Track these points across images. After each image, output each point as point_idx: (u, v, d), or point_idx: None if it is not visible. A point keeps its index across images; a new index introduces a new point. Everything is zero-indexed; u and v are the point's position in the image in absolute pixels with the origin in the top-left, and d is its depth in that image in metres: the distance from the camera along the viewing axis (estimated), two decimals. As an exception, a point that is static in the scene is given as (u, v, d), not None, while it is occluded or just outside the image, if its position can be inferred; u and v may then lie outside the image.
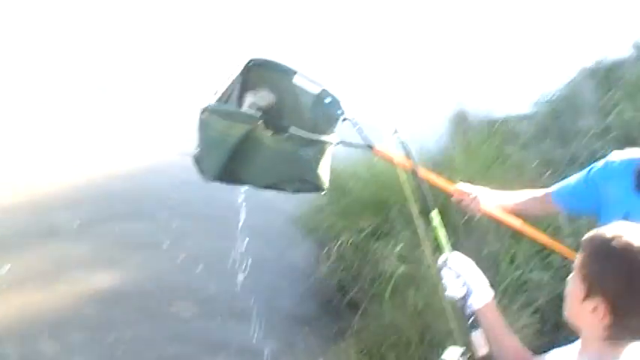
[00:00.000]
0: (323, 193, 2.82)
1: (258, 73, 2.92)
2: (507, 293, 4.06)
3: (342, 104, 2.81)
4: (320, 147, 2.70)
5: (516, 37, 9.17)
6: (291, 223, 5.49)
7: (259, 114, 2.69)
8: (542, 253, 4.31)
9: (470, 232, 4.34)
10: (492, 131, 5.69)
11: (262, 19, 10.84)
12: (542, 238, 3.10)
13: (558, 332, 4.05)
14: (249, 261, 5.16)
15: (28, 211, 5.53)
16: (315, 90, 2.86)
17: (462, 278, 2.15)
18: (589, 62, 7.65)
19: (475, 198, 2.77)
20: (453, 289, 2.16)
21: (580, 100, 6.77)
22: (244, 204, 5.68)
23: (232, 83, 2.85)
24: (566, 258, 2.98)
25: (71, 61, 8.84)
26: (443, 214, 2.46)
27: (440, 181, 2.82)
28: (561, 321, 3.98)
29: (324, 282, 4.84)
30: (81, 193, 5.87)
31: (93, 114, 7.35)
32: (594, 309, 1.67)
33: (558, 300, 4.01)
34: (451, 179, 4.67)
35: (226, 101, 2.84)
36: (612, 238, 1.64)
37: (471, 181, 4.64)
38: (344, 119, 2.78)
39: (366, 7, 11.51)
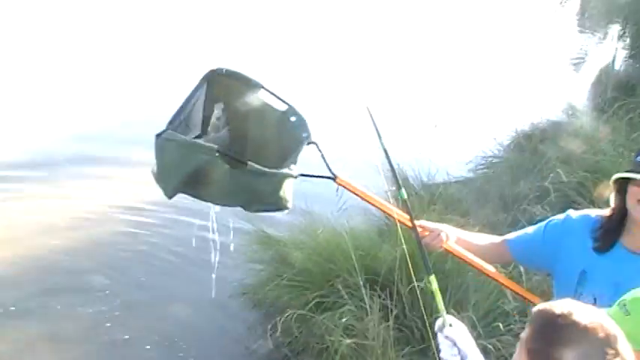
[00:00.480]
0: (286, 211, 2.73)
1: (223, 83, 2.86)
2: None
3: (307, 125, 2.75)
4: (280, 177, 2.62)
5: (452, 102, 9.42)
6: (238, 296, 5.40)
7: (216, 147, 2.56)
8: (486, 319, 4.33)
9: (413, 301, 4.34)
10: (434, 198, 5.76)
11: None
12: (502, 279, 3.07)
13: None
14: (192, 334, 5.10)
15: None
16: (281, 107, 2.80)
17: (457, 347, 2.19)
18: (524, 126, 7.87)
19: (439, 235, 2.73)
20: (447, 355, 2.20)
21: (517, 163, 6.93)
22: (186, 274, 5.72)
23: (195, 94, 2.80)
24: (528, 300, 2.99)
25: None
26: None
27: (401, 217, 2.74)
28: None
29: (271, 356, 4.77)
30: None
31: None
32: None
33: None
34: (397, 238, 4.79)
35: (187, 117, 2.77)
36: (559, 316, 1.60)
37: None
38: (309, 143, 2.72)
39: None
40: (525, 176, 6.41)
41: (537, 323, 1.64)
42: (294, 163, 2.69)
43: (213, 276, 5.07)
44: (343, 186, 2.73)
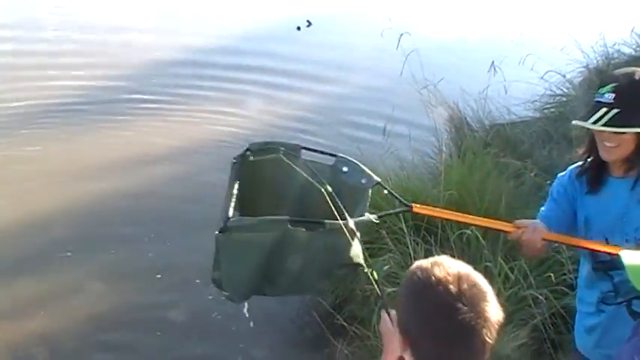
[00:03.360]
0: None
1: (258, 162, 2.60)
2: (504, 311, 3.87)
3: (363, 169, 2.55)
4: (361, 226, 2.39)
5: (511, 37, 8.93)
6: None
7: (287, 218, 2.34)
8: (540, 268, 4.10)
9: (463, 248, 4.15)
10: (490, 139, 5.48)
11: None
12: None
13: (557, 351, 3.86)
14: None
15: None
16: (328, 162, 2.60)
17: None
18: (596, 60, 7.37)
19: (535, 229, 2.55)
20: None
21: (586, 101, 6.50)
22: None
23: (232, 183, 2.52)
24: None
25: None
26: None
27: (493, 224, 2.72)
28: (561, 339, 3.78)
29: (317, 307, 4.67)
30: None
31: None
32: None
33: (557, 317, 3.81)
34: (448, 188, 4.61)
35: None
36: (419, 269, 1.62)
37: (469, 190, 4.53)
38: (373, 185, 2.53)
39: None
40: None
41: (405, 276, 1.67)
42: (363, 213, 2.47)
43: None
44: (421, 213, 2.65)
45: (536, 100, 6.95)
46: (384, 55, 7.78)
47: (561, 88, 7.08)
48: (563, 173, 2.70)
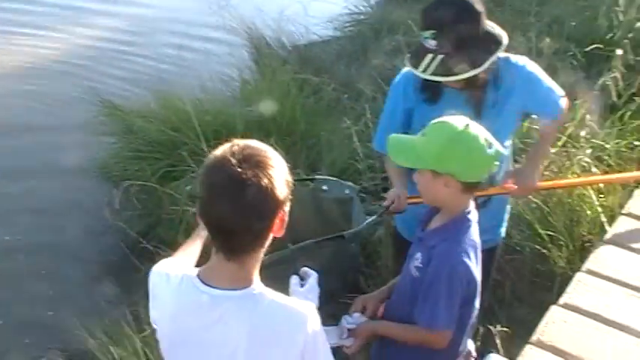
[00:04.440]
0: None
1: None
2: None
3: (342, 182, 2.85)
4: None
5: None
6: (90, 170, 5.14)
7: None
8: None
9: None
10: (290, 58, 5.53)
11: None
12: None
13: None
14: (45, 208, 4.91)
15: None
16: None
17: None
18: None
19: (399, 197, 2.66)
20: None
21: (384, 19, 6.71)
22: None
23: None
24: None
25: None
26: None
27: None
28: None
29: (125, 232, 4.58)
30: None
31: None
32: None
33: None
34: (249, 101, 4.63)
35: None
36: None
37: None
38: (358, 193, 2.87)
39: None
40: (388, 33, 6.22)
41: None
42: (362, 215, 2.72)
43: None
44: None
45: (335, 20, 7.08)
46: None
47: (359, 6, 7.27)
48: (397, 83, 2.71)
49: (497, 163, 2.15)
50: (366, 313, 2.33)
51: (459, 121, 2.09)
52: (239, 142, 1.66)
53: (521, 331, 2.86)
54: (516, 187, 2.66)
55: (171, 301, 1.74)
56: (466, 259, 2.11)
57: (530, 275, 3.83)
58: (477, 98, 2.54)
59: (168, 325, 1.77)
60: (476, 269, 2.14)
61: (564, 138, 4.20)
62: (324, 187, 2.71)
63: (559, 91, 2.72)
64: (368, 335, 2.29)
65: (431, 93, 2.57)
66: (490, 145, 2.11)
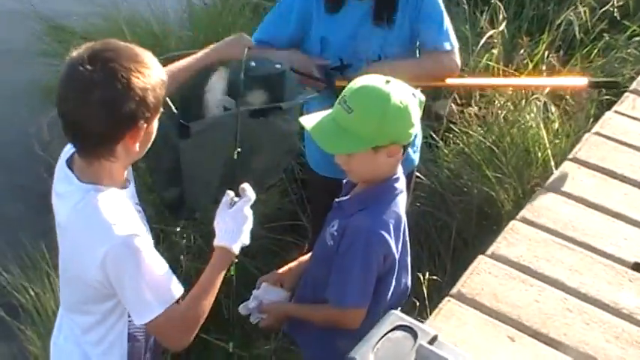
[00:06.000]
0: None
1: None
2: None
3: (268, 57, 2.47)
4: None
5: None
6: (34, 93, 4.89)
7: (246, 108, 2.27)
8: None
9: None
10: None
11: None
12: None
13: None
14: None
15: None
16: None
17: None
18: None
19: None
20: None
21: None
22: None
23: None
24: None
25: None
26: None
27: None
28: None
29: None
30: None
31: None
32: None
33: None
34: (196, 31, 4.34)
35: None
36: None
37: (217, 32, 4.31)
38: (291, 68, 2.45)
39: None
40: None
41: None
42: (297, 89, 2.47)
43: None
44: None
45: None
46: None
47: None
48: None
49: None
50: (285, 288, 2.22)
51: (377, 81, 1.91)
52: (108, 42, 1.68)
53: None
54: None
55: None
56: (383, 232, 1.94)
57: (478, 218, 3.70)
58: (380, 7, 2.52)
59: None
60: (394, 244, 1.97)
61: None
62: (252, 64, 2.41)
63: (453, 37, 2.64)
64: (278, 315, 2.17)
65: (333, 2, 2.53)
66: (414, 94, 1.95)
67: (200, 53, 2.37)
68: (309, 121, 2.00)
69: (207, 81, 2.44)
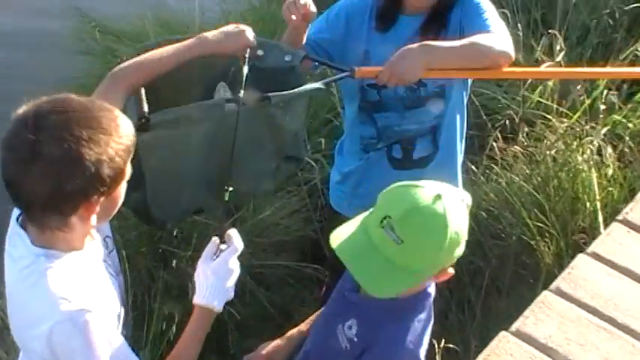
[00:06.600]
0: None
1: None
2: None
3: (281, 46, 2.19)
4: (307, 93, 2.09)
5: None
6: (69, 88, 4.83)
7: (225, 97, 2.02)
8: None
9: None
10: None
11: None
12: None
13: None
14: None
15: None
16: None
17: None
18: None
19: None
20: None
21: None
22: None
23: None
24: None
25: None
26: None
27: None
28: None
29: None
30: None
31: None
32: None
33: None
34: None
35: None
36: None
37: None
38: (301, 60, 2.15)
39: None
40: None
41: None
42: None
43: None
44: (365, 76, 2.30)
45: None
46: None
47: None
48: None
49: None
50: None
51: (428, 199, 1.55)
52: (61, 101, 1.45)
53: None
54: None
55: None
56: (419, 351, 1.67)
57: (515, 266, 3.41)
58: (436, 23, 2.38)
59: None
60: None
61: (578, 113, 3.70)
62: (259, 53, 2.09)
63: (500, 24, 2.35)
64: None
65: (385, 19, 2.42)
66: (463, 199, 1.65)
67: (192, 41, 1.98)
68: (339, 242, 1.63)
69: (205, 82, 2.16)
